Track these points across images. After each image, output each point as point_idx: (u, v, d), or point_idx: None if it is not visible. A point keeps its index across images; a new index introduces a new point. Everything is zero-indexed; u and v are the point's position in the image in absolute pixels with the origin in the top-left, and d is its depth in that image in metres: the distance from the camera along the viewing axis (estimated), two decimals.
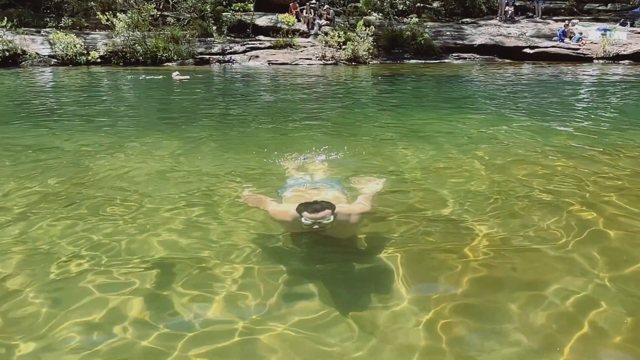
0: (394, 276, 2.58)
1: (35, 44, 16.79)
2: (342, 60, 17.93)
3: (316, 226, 2.38)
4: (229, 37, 19.02)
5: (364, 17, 20.28)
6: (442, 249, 2.87)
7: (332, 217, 2.38)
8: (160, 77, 13.15)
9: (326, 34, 18.66)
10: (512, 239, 2.97)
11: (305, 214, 2.38)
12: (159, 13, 19.13)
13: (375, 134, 6.02)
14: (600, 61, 18.01)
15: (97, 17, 18.05)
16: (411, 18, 19.76)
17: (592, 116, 7.21)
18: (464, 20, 22.10)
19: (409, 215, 3.34)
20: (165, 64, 16.73)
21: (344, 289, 2.50)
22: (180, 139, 5.63)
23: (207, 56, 17.74)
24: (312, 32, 20.00)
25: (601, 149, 4.99)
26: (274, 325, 2.19)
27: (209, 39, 18.72)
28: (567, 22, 19.84)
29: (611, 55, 18.06)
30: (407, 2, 22.51)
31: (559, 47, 18.76)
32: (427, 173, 4.28)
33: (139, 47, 17.11)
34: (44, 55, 16.51)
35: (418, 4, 22.67)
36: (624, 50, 18.13)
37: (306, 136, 5.91)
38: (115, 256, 2.80)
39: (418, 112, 7.68)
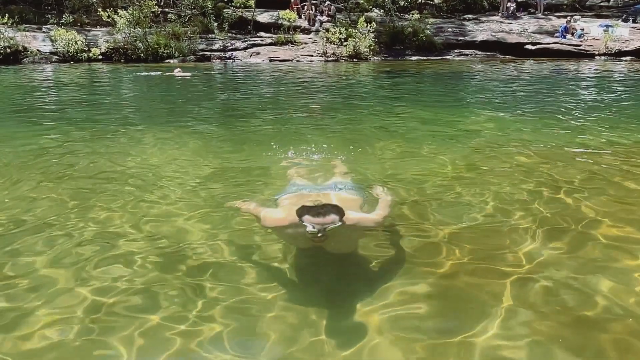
0: (406, 301, 2.32)
1: (36, 41, 16.79)
2: (343, 56, 17.90)
3: (320, 234, 2.00)
4: (230, 34, 18.99)
5: (365, 14, 20.24)
6: (462, 269, 2.62)
7: (339, 224, 2.01)
8: (161, 73, 13.14)
9: (327, 30, 18.63)
10: (528, 257, 2.73)
11: (307, 217, 2.02)
12: (160, 10, 19.11)
13: (377, 133, 6.01)
14: (602, 57, 17.95)
15: (98, 13, 18.05)
16: (412, 14, 19.70)
17: (594, 115, 7.17)
18: (465, 16, 22.03)
19: (419, 227, 3.10)
20: (166, 61, 16.72)
21: (348, 318, 2.21)
22: (182, 138, 5.63)
23: (208, 53, 17.71)
24: (314, 28, 19.95)
25: (608, 150, 4.95)
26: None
27: (210, 35, 18.69)
28: (569, 18, 19.79)
29: (613, 52, 18.00)
30: None
31: (561, 44, 18.69)
32: (433, 178, 4.11)
33: (140, 44, 17.10)
34: (45, 52, 16.51)
35: (419, 0, 22.58)
36: (626, 47, 18.07)
37: (307, 136, 5.89)
38: (111, 269, 2.66)
39: (418, 111, 7.66)
